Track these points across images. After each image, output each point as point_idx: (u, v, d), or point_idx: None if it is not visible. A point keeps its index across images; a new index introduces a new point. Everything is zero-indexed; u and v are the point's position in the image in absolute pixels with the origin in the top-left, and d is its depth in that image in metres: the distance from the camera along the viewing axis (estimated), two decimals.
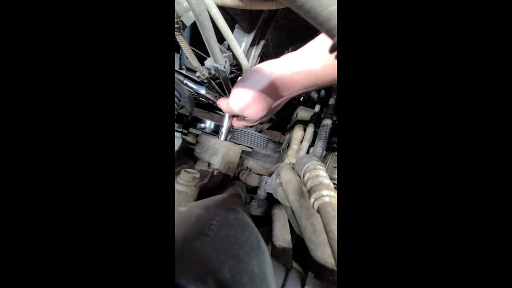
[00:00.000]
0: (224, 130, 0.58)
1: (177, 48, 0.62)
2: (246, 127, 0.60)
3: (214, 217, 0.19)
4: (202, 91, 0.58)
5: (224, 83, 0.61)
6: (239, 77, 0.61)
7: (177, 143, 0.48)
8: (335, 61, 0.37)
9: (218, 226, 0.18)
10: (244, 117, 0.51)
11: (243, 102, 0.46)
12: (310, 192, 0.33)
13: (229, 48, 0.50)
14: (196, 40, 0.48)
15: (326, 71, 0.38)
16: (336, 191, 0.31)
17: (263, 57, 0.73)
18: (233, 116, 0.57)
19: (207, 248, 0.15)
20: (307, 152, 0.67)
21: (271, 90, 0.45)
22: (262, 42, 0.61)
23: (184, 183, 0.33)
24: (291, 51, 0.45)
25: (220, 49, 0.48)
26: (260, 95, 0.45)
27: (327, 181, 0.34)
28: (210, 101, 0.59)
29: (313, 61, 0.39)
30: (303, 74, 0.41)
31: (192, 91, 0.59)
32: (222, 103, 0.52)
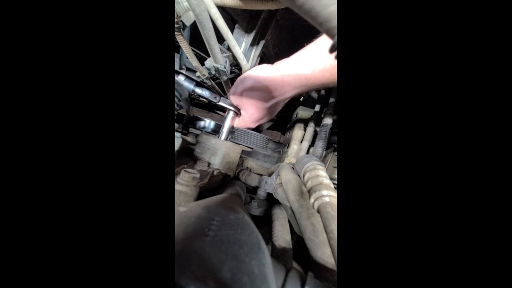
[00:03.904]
0: (224, 130, 0.58)
1: (177, 48, 0.62)
2: (248, 128, 0.61)
3: (214, 217, 0.19)
4: (203, 92, 0.58)
5: (224, 84, 0.61)
6: (238, 78, 0.61)
7: (177, 143, 0.48)
8: (325, 66, 0.40)
9: (218, 226, 0.18)
10: (241, 110, 0.54)
11: (238, 90, 0.50)
12: (310, 192, 0.33)
13: (229, 48, 0.50)
14: (196, 40, 0.48)
15: (316, 75, 0.41)
16: (336, 191, 0.31)
17: (263, 57, 0.73)
18: (235, 115, 0.58)
19: (207, 248, 0.15)
20: (307, 152, 0.67)
21: (262, 89, 0.48)
22: (262, 42, 0.61)
23: (184, 183, 0.33)
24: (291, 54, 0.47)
25: (220, 49, 0.48)
26: (252, 94, 0.48)
27: (327, 181, 0.34)
28: (209, 101, 0.59)
29: (303, 66, 0.42)
30: (293, 77, 0.44)
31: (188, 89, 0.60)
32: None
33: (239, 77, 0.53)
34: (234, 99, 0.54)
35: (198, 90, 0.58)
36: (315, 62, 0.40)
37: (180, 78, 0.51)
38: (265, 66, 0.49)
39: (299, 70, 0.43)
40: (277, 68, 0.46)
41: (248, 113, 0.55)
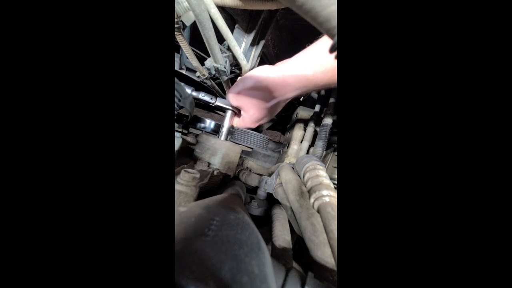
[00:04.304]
0: (224, 130, 0.58)
1: (177, 48, 0.62)
2: (248, 128, 0.61)
3: (214, 217, 0.19)
4: (198, 95, 0.58)
5: (224, 84, 0.61)
6: (239, 77, 0.61)
7: (177, 143, 0.48)
8: (327, 67, 0.40)
9: (218, 226, 0.18)
10: (242, 113, 0.53)
11: (237, 91, 0.50)
12: (310, 192, 0.33)
13: (229, 48, 0.50)
14: (196, 40, 0.48)
15: (318, 76, 0.41)
16: (336, 191, 0.31)
17: (263, 57, 0.73)
18: (234, 114, 0.58)
19: (207, 248, 0.15)
20: (307, 152, 0.67)
21: (264, 90, 0.48)
22: (262, 42, 0.61)
23: (184, 183, 0.33)
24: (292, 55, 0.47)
25: (220, 49, 0.48)
26: (253, 94, 0.48)
27: (327, 181, 0.34)
28: (206, 102, 0.59)
29: (305, 67, 0.42)
30: (294, 78, 0.44)
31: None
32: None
33: (240, 77, 0.53)
34: (234, 98, 0.54)
35: (194, 94, 0.59)
36: (316, 63, 0.40)
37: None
38: (266, 66, 0.48)
39: (300, 71, 0.43)
40: (278, 68, 0.46)
41: (249, 114, 0.55)
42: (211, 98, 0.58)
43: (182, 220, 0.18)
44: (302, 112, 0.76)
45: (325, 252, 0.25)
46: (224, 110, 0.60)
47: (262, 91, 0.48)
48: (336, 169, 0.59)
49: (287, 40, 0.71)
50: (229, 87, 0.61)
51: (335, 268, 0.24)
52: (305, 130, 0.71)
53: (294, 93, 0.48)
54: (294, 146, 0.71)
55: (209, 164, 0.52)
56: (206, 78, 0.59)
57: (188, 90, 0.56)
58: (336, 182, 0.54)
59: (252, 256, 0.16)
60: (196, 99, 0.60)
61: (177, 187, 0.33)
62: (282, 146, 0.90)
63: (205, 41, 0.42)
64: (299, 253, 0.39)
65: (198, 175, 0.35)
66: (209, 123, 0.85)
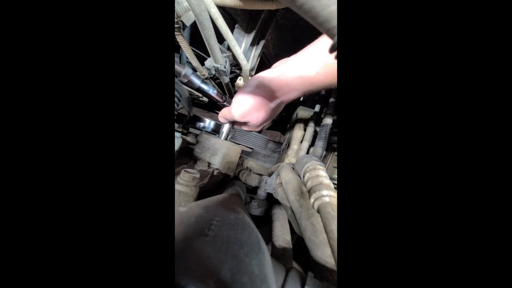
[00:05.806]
0: (224, 129, 0.58)
1: (177, 48, 0.62)
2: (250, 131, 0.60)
3: (214, 217, 0.19)
4: (209, 90, 0.57)
5: (224, 85, 0.61)
6: (239, 77, 0.61)
7: (177, 143, 0.48)
8: (328, 68, 0.39)
9: (218, 226, 0.18)
10: (246, 123, 0.52)
11: (244, 109, 0.48)
12: (310, 192, 0.33)
13: (229, 48, 0.50)
14: (196, 40, 0.48)
15: (319, 78, 0.40)
16: (336, 191, 0.31)
17: (263, 57, 0.73)
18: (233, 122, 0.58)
19: (207, 248, 0.15)
20: (307, 152, 0.67)
21: (269, 96, 0.47)
22: (262, 42, 0.61)
23: (184, 183, 0.33)
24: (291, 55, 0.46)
25: (220, 49, 0.48)
26: (259, 101, 0.47)
27: (327, 181, 0.34)
28: (214, 100, 0.59)
29: (306, 69, 0.41)
30: (296, 80, 0.43)
31: (193, 90, 0.59)
32: (223, 111, 0.54)
33: (243, 86, 0.52)
34: (238, 106, 0.53)
35: (205, 87, 0.58)
36: (318, 65, 0.40)
37: (188, 72, 0.50)
38: (266, 71, 0.48)
39: (302, 72, 0.42)
40: (279, 69, 0.45)
41: (254, 116, 0.54)
42: (221, 97, 0.57)
43: (182, 220, 0.18)
44: (302, 112, 0.76)
45: (325, 252, 0.25)
46: None
47: (265, 90, 0.47)
48: (336, 169, 0.60)
49: (287, 40, 0.71)
50: (230, 88, 0.60)
51: (335, 268, 0.24)
52: (305, 130, 0.71)
53: (296, 94, 0.48)
54: (294, 146, 0.71)
55: (209, 164, 0.52)
56: (206, 78, 0.59)
57: (198, 82, 0.54)
58: (336, 182, 0.54)
59: (252, 256, 0.16)
60: (199, 96, 0.60)
61: (177, 187, 0.33)
62: (282, 146, 0.90)
63: (205, 41, 0.42)
64: (299, 253, 0.39)
65: (198, 175, 0.35)
66: (209, 123, 0.85)
